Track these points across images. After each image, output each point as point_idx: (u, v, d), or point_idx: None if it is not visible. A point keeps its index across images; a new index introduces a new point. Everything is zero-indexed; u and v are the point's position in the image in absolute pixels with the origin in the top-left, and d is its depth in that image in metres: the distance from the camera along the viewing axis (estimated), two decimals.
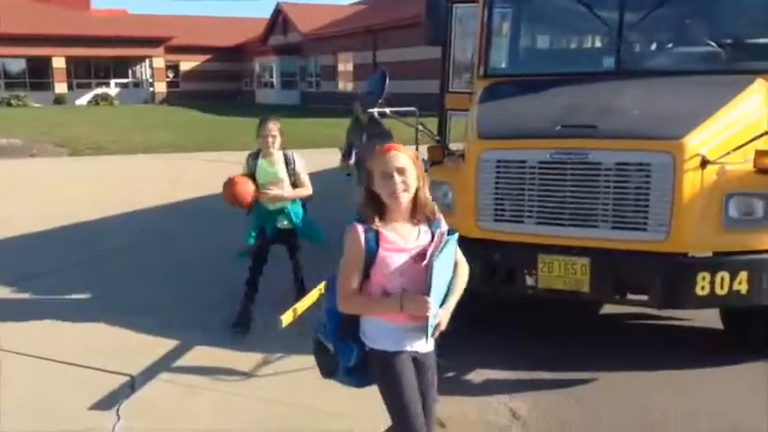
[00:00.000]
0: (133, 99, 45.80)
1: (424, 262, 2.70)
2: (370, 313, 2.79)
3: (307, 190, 5.45)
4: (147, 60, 48.61)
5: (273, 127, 5.34)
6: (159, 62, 48.86)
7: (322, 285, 5.01)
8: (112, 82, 48.22)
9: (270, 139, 5.29)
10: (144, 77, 49.85)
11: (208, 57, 52.07)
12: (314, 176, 5.63)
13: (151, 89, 48.99)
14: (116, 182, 13.29)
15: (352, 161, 7.40)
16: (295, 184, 5.38)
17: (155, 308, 5.83)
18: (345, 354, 2.81)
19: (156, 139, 20.73)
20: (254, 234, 5.31)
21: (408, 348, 2.83)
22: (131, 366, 4.66)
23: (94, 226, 9.26)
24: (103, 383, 4.43)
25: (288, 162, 5.37)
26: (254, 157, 5.40)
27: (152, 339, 5.15)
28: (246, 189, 5.18)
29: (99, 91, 46.19)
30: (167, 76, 50.42)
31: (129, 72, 49.63)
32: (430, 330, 2.74)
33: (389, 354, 2.78)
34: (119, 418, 4.00)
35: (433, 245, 2.75)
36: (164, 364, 4.73)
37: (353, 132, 7.67)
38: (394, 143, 2.86)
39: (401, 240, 2.74)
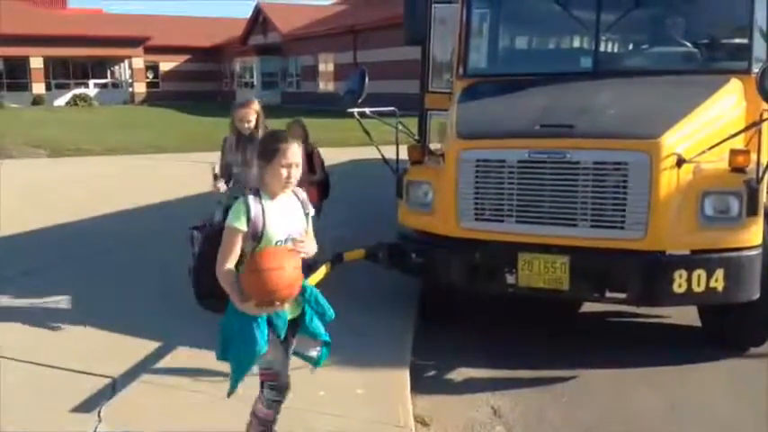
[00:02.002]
0: (112, 99, 45.42)
1: None
2: None
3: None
4: (126, 60, 48.26)
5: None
6: (138, 62, 48.53)
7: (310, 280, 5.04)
8: (91, 82, 47.80)
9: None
10: (123, 78, 49.47)
11: (187, 57, 51.78)
12: None
13: (130, 89, 48.63)
14: (95, 183, 13.18)
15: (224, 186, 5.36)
16: None
17: (134, 310, 5.79)
18: None
19: (136, 139, 20.58)
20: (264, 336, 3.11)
21: None
22: (112, 368, 4.63)
23: (72, 228, 9.18)
24: (84, 386, 4.39)
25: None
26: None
27: (133, 341, 5.11)
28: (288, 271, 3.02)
29: (78, 91, 45.75)
30: (147, 77, 50.10)
31: (108, 72, 49.23)
32: None
33: None
34: (99, 421, 3.97)
35: None
36: (145, 365, 4.70)
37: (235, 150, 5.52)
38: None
39: None
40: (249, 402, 3.73)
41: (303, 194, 3.25)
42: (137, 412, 4.11)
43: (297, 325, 3.25)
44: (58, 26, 43.54)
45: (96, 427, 3.91)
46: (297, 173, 3.07)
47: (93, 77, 48.07)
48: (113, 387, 4.39)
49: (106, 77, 49.10)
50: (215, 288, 3.10)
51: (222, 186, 5.33)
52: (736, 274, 4.40)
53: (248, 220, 3.00)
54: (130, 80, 48.95)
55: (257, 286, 2.94)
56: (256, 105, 5.40)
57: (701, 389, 4.52)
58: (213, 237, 3.21)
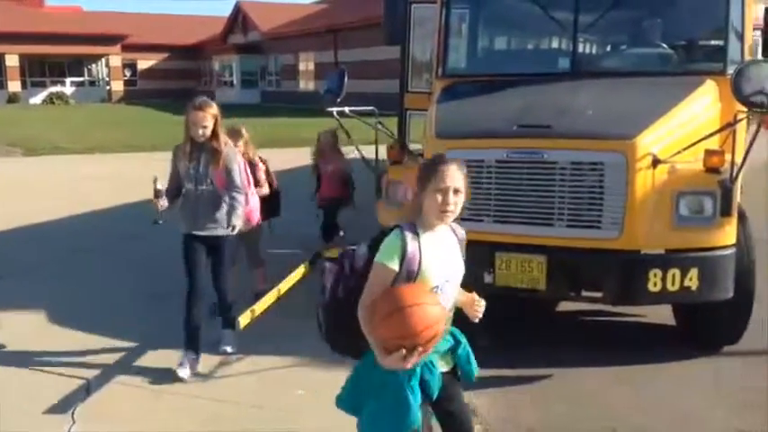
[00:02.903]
0: (89, 98, 44.97)
1: None
2: None
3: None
4: (103, 59, 47.80)
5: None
6: (116, 60, 48.08)
7: (281, 286, 5.03)
8: (68, 80, 47.31)
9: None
10: (100, 76, 48.99)
11: (166, 55, 51.39)
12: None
13: (108, 88, 48.18)
14: (71, 182, 13.04)
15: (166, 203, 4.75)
16: None
17: (108, 311, 5.74)
18: None
19: (113, 138, 20.38)
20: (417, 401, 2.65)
21: None
22: (86, 370, 4.59)
23: (47, 227, 9.08)
24: (58, 387, 4.35)
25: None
26: None
27: (107, 342, 5.07)
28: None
29: (54, 89, 45.26)
30: (124, 75, 49.67)
31: (85, 70, 48.75)
32: None
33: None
34: (74, 422, 3.93)
35: None
36: (120, 367, 4.67)
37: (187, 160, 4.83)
38: None
39: None
40: (225, 404, 3.72)
41: (462, 232, 2.78)
42: (111, 413, 4.07)
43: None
44: (35, 23, 43.00)
45: (70, 428, 3.87)
46: (457, 201, 2.58)
47: (70, 75, 47.58)
48: (87, 388, 4.35)
49: (83, 75, 48.61)
50: (349, 329, 2.64)
51: (164, 203, 4.62)
52: (710, 274, 4.44)
53: (402, 258, 2.53)
54: (108, 78, 48.48)
55: (397, 327, 2.43)
56: (214, 109, 4.67)
57: (675, 386, 4.56)
58: (353, 274, 2.74)
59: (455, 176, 2.56)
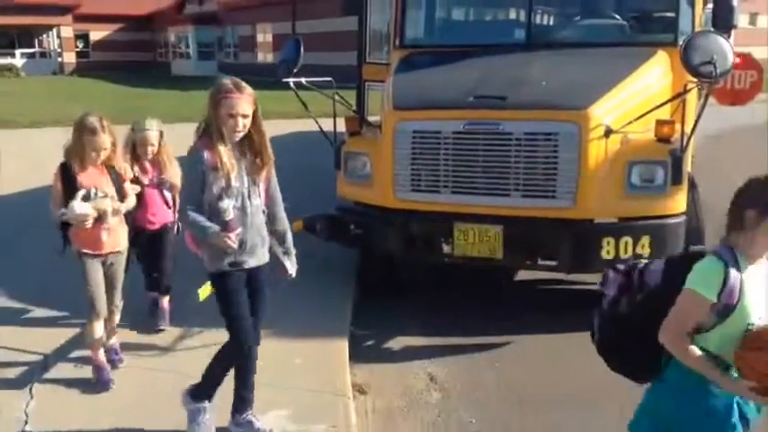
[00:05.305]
0: (41, 70, 43.63)
1: None
2: None
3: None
4: (54, 29, 46.39)
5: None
6: (67, 31, 46.69)
7: None
8: (17, 52, 45.78)
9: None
10: (52, 47, 47.58)
11: (120, 26, 49.98)
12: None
13: (59, 60, 46.82)
14: (24, 157, 12.72)
15: None
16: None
17: (64, 288, 5.66)
18: None
19: (67, 112, 19.81)
20: None
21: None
22: (44, 346, 4.54)
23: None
24: (15, 363, 4.31)
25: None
26: None
27: (65, 318, 5.02)
28: None
29: (3, 61, 43.82)
30: (77, 46, 48.25)
31: (36, 42, 47.26)
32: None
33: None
34: (31, 398, 3.90)
35: None
36: (78, 342, 4.63)
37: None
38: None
39: None
40: (187, 378, 3.73)
41: None
42: (70, 389, 4.05)
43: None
44: None
45: (28, 403, 3.84)
46: None
47: (20, 47, 46.07)
48: (45, 365, 4.32)
49: (33, 47, 47.13)
50: (627, 348, 2.60)
51: (239, 231, 3.25)
52: (661, 241, 4.57)
53: (721, 290, 2.29)
54: (59, 50, 47.10)
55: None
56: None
57: None
58: (642, 289, 2.58)
59: None
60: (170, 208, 4.85)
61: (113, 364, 4.28)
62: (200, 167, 3.21)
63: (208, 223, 3.21)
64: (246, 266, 3.36)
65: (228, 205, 3.17)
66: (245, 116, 3.19)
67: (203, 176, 3.21)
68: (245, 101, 3.18)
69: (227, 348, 3.47)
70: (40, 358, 4.38)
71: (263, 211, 3.42)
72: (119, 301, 4.26)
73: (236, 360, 3.49)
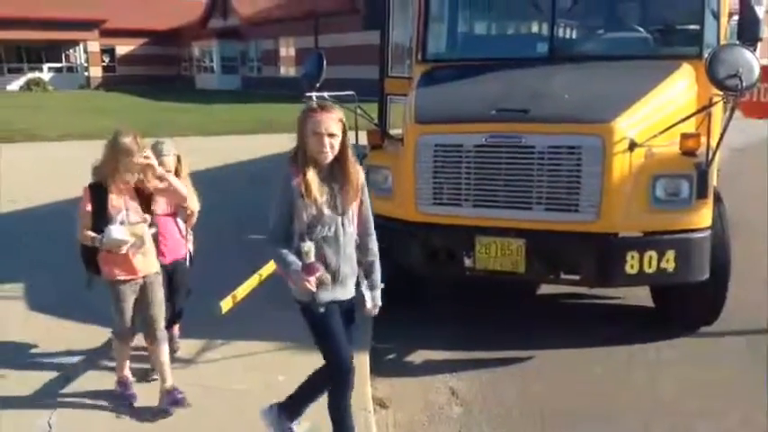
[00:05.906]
0: (68, 84, 44.39)
1: None
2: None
3: None
4: (81, 44, 47.19)
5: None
6: (94, 46, 47.49)
7: (262, 271, 5.05)
8: (45, 66, 46.64)
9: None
10: (78, 62, 48.38)
11: (145, 40, 50.75)
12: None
13: (86, 74, 47.60)
14: (49, 170, 12.90)
15: None
16: None
17: (90, 300, 5.72)
18: None
19: (93, 125, 20.15)
20: None
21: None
22: (68, 358, 4.58)
23: (21, 216, 9.00)
24: (39, 373, 4.35)
25: None
26: None
27: (87, 329, 5.05)
28: None
29: (31, 76, 44.60)
30: (103, 61, 49.04)
31: (63, 56, 48.09)
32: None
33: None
34: (55, 409, 3.93)
35: None
36: (101, 354, 4.66)
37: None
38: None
39: None
40: (208, 389, 3.73)
41: None
42: (94, 401, 4.07)
43: None
44: (10, 8, 42.26)
45: (51, 416, 3.87)
46: None
47: (48, 61, 46.91)
48: (68, 377, 4.34)
49: (61, 62, 47.96)
50: None
51: (324, 276, 3.13)
52: (686, 255, 4.51)
53: None
54: (86, 64, 47.89)
55: None
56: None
57: (652, 367, 4.65)
58: None
59: None
60: (185, 239, 4.56)
61: (179, 403, 3.93)
62: (290, 196, 3.07)
63: (291, 258, 3.07)
64: (336, 300, 3.21)
65: (310, 248, 2.99)
66: (330, 135, 3.03)
67: (291, 205, 3.09)
68: (330, 119, 3.03)
69: (324, 375, 3.36)
70: (63, 372, 4.42)
71: (356, 240, 3.26)
72: (162, 325, 4.01)
73: (334, 386, 3.35)
